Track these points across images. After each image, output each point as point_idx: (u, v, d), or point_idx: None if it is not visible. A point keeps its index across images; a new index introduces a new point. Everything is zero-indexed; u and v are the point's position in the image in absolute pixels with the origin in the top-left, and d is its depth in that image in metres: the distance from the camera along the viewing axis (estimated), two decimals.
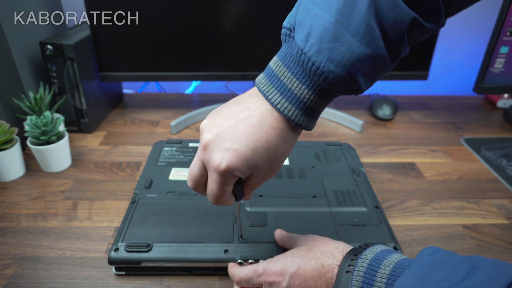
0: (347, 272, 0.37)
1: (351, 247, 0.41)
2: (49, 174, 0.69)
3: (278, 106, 0.34)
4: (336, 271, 0.38)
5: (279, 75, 0.35)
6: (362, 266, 0.36)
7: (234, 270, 0.44)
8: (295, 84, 0.34)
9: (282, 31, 0.36)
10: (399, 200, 0.65)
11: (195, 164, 0.38)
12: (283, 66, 0.35)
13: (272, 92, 0.35)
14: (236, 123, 0.35)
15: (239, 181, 0.40)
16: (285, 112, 0.34)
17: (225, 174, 0.35)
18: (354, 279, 0.35)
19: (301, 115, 0.35)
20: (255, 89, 0.37)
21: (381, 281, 0.34)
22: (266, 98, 0.35)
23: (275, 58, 0.36)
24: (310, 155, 0.69)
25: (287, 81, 0.34)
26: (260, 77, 0.36)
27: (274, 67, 0.35)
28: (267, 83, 0.35)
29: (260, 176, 0.39)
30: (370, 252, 0.37)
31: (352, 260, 0.37)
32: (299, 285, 0.39)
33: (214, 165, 0.35)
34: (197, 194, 0.58)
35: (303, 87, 0.34)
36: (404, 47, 0.34)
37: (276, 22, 0.81)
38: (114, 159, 0.74)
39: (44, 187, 0.65)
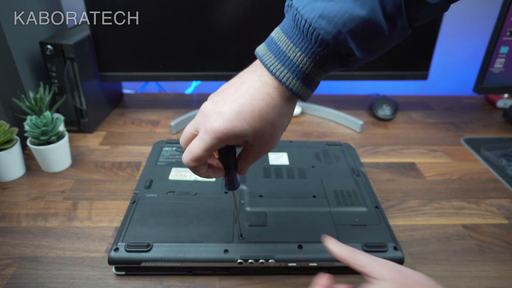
0: None
1: None
2: (49, 174, 0.69)
3: (273, 70, 0.35)
4: None
5: (277, 41, 0.36)
6: None
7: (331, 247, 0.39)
8: (291, 49, 0.34)
9: (285, 3, 0.37)
10: (399, 200, 0.65)
11: (190, 125, 0.40)
12: (282, 32, 0.36)
13: (269, 56, 0.36)
14: (228, 89, 0.37)
15: (232, 153, 0.40)
16: (280, 76, 0.35)
17: (210, 135, 0.36)
18: None
19: (295, 81, 0.35)
20: (256, 61, 0.38)
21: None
22: (262, 62, 0.36)
23: (276, 28, 0.37)
24: (310, 155, 0.69)
25: (283, 45, 0.35)
26: (260, 46, 0.38)
27: (274, 35, 0.37)
28: (265, 49, 0.36)
29: (253, 148, 0.39)
30: None
31: None
32: None
33: (202, 124, 0.37)
34: (197, 194, 0.58)
35: (299, 52, 0.34)
36: (402, 18, 0.32)
37: (276, 22, 0.81)
38: (114, 159, 0.74)
39: (44, 187, 0.65)
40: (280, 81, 0.35)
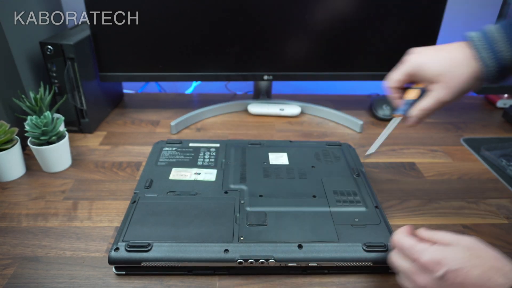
0: None
1: None
2: (49, 174, 0.69)
3: (481, 52, 0.44)
4: None
5: (489, 32, 0.44)
6: None
7: (398, 235, 0.43)
8: (503, 39, 0.43)
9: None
10: (399, 200, 0.65)
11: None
12: (503, 30, 0.44)
13: (481, 43, 0.44)
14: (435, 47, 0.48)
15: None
16: (485, 61, 0.44)
17: (407, 61, 0.49)
18: None
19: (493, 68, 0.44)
20: (463, 45, 0.46)
21: None
22: (474, 44, 0.45)
23: (495, 26, 0.45)
24: (310, 155, 0.70)
25: (496, 35, 0.44)
26: (476, 37, 0.45)
27: (493, 30, 0.45)
28: (480, 38, 0.45)
29: (433, 93, 0.47)
30: None
31: None
32: (455, 285, 0.36)
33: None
34: (197, 194, 0.58)
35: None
36: None
37: (276, 22, 0.81)
38: (114, 159, 0.74)
39: (44, 187, 0.65)
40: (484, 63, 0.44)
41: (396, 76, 0.51)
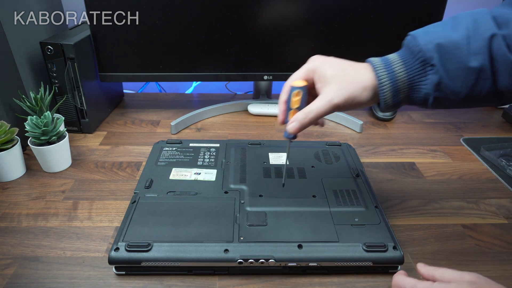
0: None
1: None
2: (50, 174, 0.69)
3: (379, 73, 0.44)
4: None
5: (390, 58, 0.45)
6: None
7: (398, 276, 0.43)
8: (397, 63, 0.44)
9: (406, 38, 0.45)
10: (399, 200, 0.65)
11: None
12: (396, 54, 0.45)
13: (379, 63, 0.45)
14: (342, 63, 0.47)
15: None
16: (382, 81, 0.44)
17: (308, 61, 0.49)
18: None
19: (388, 89, 0.44)
20: (365, 63, 0.47)
21: None
22: (373, 65, 0.45)
23: (393, 54, 0.46)
24: (310, 155, 0.70)
25: (394, 61, 0.44)
26: (374, 58, 0.46)
27: (390, 56, 0.45)
28: (381, 63, 0.45)
29: (324, 95, 0.45)
30: None
31: None
32: None
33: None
34: (197, 194, 0.58)
35: (403, 72, 0.43)
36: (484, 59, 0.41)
37: (276, 21, 0.81)
38: (114, 159, 0.74)
39: (44, 187, 0.65)
40: (379, 81, 0.44)
41: (294, 76, 0.49)
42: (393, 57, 0.45)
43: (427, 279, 0.42)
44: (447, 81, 0.42)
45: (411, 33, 0.44)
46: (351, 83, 0.45)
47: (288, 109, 0.48)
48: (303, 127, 0.46)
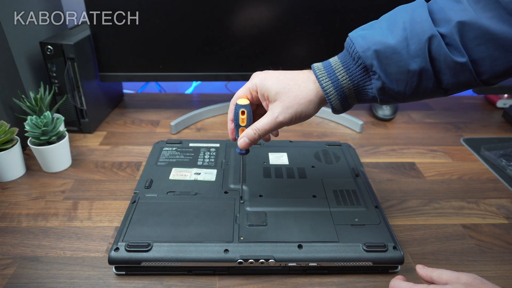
0: None
1: None
2: (50, 174, 0.69)
3: (323, 84, 0.44)
4: None
5: (332, 63, 0.44)
6: None
7: (395, 281, 0.42)
8: (340, 70, 0.43)
9: (346, 40, 0.44)
10: (399, 200, 0.65)
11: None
12: (337, 58, 0.44)
13: (321, 72, 0.44)
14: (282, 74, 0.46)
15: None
16: (327, 91, 0.44)
17: (251, 79, 0.48)
18: None
19: (335, 96, 0.44)
20: (308, 71, 0.46)
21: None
22: (316, 75, 0.44)
23: (335, 58, 0.45)
24: (310, 155, 0.70)
25: (336, 67, 0.44)
26: (317, 64, 0.46)
27: (331, 59, 0.45)
28: (320, 66, 0.45)
29: (269, 112, 0.46)
30: None
31: None
32: None
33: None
34: (197, 194, 0.58)
35: (344, 73, 0.43)
36: (425, 61, 0.41)
37: (276, 21, 0.81)
38: (114, 159, 0.74)
39: (44, 187, 0.65)
40: (324, 92, 0.44)
41: (237, 94, 0.49)
42: (335, 62, 0.44)
43: (426, 281, 0.42)
44: (390, 85, 0.42)
45: (350, 35, 0.44)
46: (295, 99, 0.45)
47: (237, 126, 0.49)
48: (252, 142, 0.48)
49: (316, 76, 0.45)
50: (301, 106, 0.45)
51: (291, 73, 0.47)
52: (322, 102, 0.46)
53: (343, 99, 0.45)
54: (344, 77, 0.43)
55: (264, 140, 0.53)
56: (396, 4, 0.47)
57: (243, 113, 0.48)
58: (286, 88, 0.45)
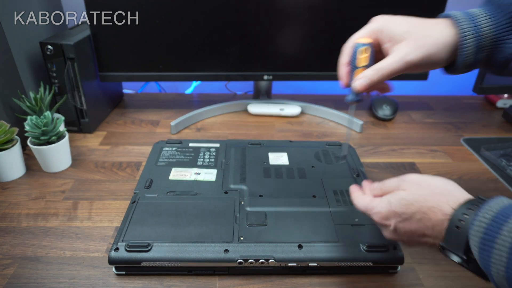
0: (460, 221, 0.35)
1: (466, 200, 0.37)
2: (49, 174, 0.69)
3: (463, 26, 0.40)
4: (445, 224, 0.36)
5: (476, 13, 0.41)
6: (485, 218, 0.33)
7: (355, 196, 0.46)
8: (486, 21, 0.40)
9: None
10: None
11: None
12: (482, 10, 0.41)
13: (463, 18, 0.40)
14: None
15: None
16: (466, 35, 0.40)
17: (372, 20, 0.45)
18: (473, 230, 0.33)
19: (471, 43, 0.40)
20: (440, 19, 0.42)
21: (508, 235, 0.31)
22: (455, 18, 0.41)
23: (478, 10, 0.42)
24: (310, 155, 0.70)
25: (480, 18, 0.41)
26: (453, 11, 0.41)
27: (472, 10, 0.41)
28: (463, 17, 0.41)
29: (396, 52, 0.42)
30: (496, 205, 0.34)
31: (468, 209, 0.35)
32: (406, 231, 0.39)
33: None
34: (197, 194, 0.58)
35: (489, 26, 0.40)
36: None
37: (276, 21, 0.81)
38: (114, 159, 0.74)
39: (44, 187, 0.65)
40: (463, 35, 0.40)
41: (356, 35, 0.45)
42: (477, 11, 0.41)
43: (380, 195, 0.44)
44: None
45: None
46: (427, 38, 0.40)
47: (353, 68, 0.44)
48: (372, 83, 0.42)
49: (454, 19, 0.41)
50: (434, 47, 0.40)
51: (419, 18, 0.42)
52: (455, 50, 0.41)
53: (479, 49, 0.40)
54: (487, 24, 0.40)
55: (380, 91, 0.46)
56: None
57: (366, 50, 0.43)
58: (417, 28, 0.41)
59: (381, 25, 0.43)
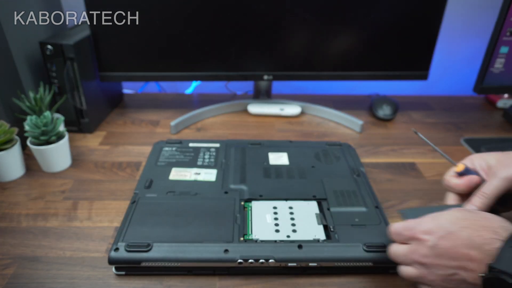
0: None
1: None
2: (49, 174, 0.69)
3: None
4: (497, 244, 0.36)
5: None
6: None
7: (393, 225, 0.45)
8: None
9: None
10: (399, 200, 0.65)
11: None
12: None
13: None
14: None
15: None
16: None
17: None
18: None
19: None
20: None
21: None
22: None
23: None
24: (310, 155, 0.69)
25: None
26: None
27: None
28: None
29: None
30: None
31: None
32: (447, 249, 0.38)
33: None
34: (197, 194, 0.58)
35: None
36: None
37: (276, 21, 0.81)
38: (114, 159, 0.74)
39: (44, 187, 0.65)
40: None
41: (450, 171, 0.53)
42: None
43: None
44: None
45: None
46: None
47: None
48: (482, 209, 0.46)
49: None
50: None
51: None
52: None
53: None
54: None
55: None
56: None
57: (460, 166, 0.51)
58: (506, 156, 0.47)
59: (473, 157, 0.51)
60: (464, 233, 0.38)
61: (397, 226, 0.44)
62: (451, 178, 0.52)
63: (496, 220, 0.39)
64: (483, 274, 0.36)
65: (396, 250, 0.44)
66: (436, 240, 0.39)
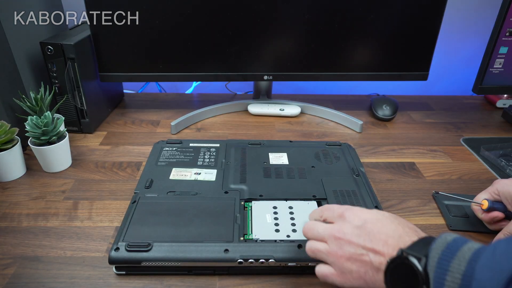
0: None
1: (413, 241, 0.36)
2: (50, 174, 0.69)
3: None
4: (414, 238, 0.37)
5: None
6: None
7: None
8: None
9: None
10: (399, 200, 0.65)
11: None
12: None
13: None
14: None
15: None
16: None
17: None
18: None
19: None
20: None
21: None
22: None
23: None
24: (310, 155, 0.70)
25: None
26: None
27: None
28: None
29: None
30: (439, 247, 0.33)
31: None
32: (370, 232, 0.39)
33: None
34: (197, 194, 0.58)
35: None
36: None
37: (276, 21, 0.81)
38: (114, 159, 0.75)
39: (44, 187, 0.65)
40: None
41: (479, 196, 0.56)
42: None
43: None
44: None
45: None
46: None
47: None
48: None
49: None
50: None
51: None
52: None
53: None
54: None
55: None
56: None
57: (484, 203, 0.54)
58: None
59: (499, 188, 0.53)
60: (392, 225, 0.39)
61: (313, 213, 0.47)
62: (478, 210, 0.56)
63: (412, 225, 0.40)
64: (390, 258, 0.36)
65: (315, 223, 0.44)
66: (363, 223, 0.40)
